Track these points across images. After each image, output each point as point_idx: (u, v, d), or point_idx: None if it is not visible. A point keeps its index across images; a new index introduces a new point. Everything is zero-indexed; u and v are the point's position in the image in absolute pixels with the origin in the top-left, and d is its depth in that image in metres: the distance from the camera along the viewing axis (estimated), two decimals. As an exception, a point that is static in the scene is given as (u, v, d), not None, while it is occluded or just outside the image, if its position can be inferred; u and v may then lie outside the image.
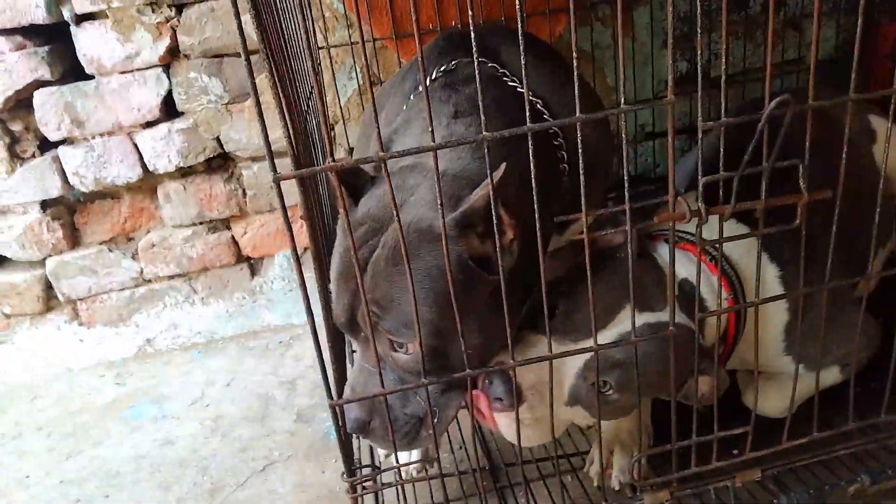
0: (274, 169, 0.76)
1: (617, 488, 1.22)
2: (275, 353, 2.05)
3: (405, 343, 0.95)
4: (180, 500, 1.55)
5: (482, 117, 0.78)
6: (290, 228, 0.77)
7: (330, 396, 0.89)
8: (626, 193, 0.86)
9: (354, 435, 1.01)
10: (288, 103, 0.82)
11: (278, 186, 0.76)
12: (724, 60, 0.79)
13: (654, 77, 2.18)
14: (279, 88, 0.75)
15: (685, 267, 1.14)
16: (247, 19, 0.73)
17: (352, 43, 1.90)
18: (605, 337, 1.04)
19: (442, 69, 1.22)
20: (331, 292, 0.94)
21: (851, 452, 1.21)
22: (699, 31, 0.80)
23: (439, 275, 0.92)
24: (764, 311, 1.05)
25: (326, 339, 0.94)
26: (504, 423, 1.05)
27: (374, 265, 0.94)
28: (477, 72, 0.77)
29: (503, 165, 0.89)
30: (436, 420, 0.99)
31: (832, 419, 1.16)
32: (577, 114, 0.79)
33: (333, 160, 0.77)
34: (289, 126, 0.75)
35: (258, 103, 0.73)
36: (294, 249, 0.79)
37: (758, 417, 1.11)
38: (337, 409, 0.90)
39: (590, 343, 1.04)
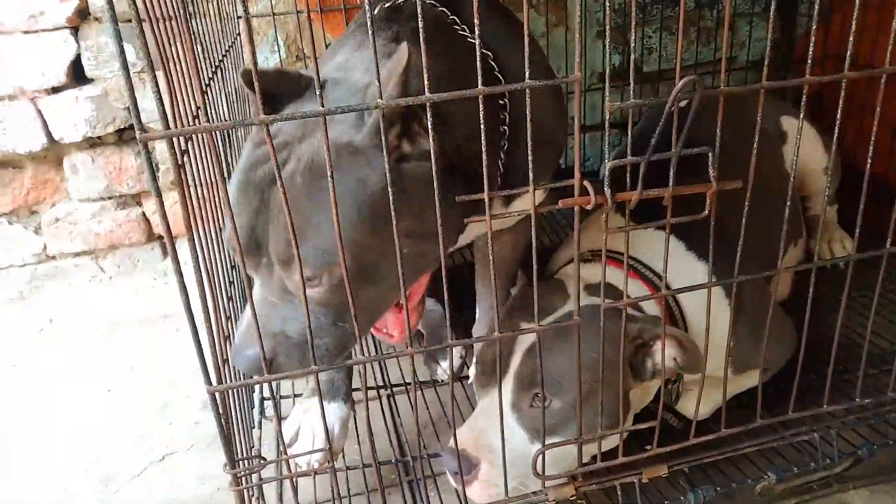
0: (142, 128, 0.69)
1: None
2: (185, 336, 1.93)
3: (320, 274, 0.86)
4: (69, 490, 1.46)
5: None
6: (159, 196, 0.70)
7: (208, 381, 0.82)
8: (531, 174, 0.82)
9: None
10: (163, 61, 0.74)
11: (146, 148, 0.69)
12: (632, 40, 0.75)
13: (587, 68, 2.16)
14: (149, 44, 0.68)
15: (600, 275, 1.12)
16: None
17: (274, 14, 1.81)
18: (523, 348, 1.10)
19: (387, 5, 1.12)
20: (203, 267, 0.85)
21: (759, 450, 1.20)
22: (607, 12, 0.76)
23: (363, 189, 0.85)
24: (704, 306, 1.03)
25: (211, 319, 0.86)
26: (476, 493, 1.07)
27: (288, 181, 0.84)
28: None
29: (403, 46, 0.81)
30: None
31: (742, 416, 1.14)
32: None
33: (209, 121, 0.70)
34: (158, 84, 0.68)
35: (122, 54, 0.66)
36: (164, 218, 0.71)
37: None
38: (217, 395, 0.83)
39: (511, 377, 1.09)
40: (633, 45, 0.74)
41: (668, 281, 1.17)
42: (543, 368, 1.01)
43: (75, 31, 1.83)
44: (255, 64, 0.69)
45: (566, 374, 1.02)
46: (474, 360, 1.11)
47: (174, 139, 0.71)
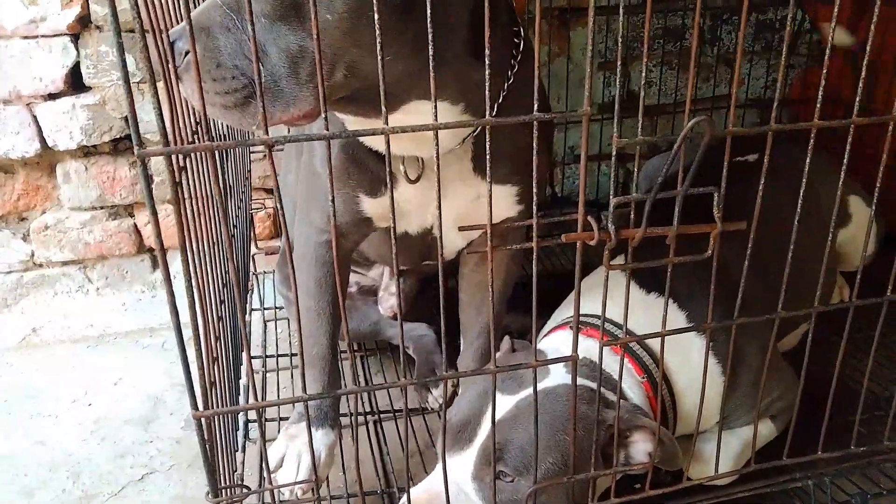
0: (140, 143, 0.67)
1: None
2: (171, 352, 1.91)
3: None
4: (45, 507, 1.42)
5: None
6: (154, 213, 0.68)
7: (194, 406, 0.79)
8: (535, 209, 0.80)
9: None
10: (165, 74, 0.73)
11: (143, 164, 0.67)
12: (643, 74, 0.74)
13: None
14: (151, 56, 0.67)
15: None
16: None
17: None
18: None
19: None
20: (195, 287, 0.82)
21: (752, 495, 1.18)
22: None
23: None
24: (698, 385, 1.00)
25: (201, 341, 0.84)
26: None
27: None
28: None
29: None
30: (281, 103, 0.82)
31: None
32: (486, 116, 0.73)
33: (211, 139, 0.68)
34: (159, 99, 0.66)
35: (124, 66, 0.65)
36: (158, 234, 0.69)
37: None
38: (203, 420, 0.80)
39: (476, 446, 1.04)
40: (642, 80, 0.73)
41: (659, 347, 1.08)
42: (513, 444, 1.00)
43: (75, 38, 1.82)
44: (261, 82, 0.67)
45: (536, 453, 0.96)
46: (443, 419, 1.07)
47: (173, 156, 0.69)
